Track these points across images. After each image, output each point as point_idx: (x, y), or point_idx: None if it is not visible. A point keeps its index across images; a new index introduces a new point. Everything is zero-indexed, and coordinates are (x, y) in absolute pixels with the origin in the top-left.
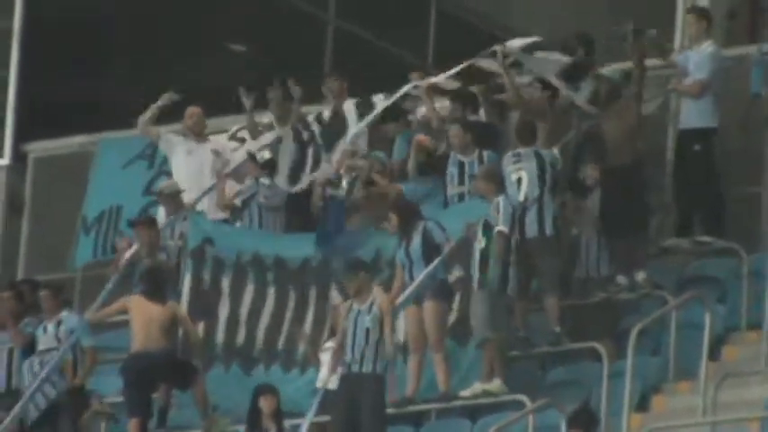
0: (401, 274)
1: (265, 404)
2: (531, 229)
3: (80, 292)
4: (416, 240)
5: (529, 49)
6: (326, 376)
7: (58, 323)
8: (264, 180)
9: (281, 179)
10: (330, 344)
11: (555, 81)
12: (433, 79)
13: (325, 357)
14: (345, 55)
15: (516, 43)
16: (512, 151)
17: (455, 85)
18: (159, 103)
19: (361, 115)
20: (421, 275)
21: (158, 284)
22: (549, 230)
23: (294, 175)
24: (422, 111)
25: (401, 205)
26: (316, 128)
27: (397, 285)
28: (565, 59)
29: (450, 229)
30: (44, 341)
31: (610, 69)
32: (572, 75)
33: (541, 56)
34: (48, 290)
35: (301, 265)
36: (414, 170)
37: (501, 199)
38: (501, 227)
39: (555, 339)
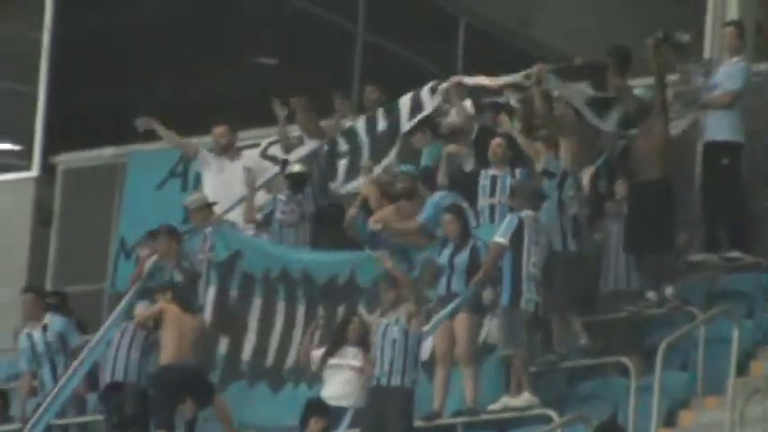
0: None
1: (315, 426)
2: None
3: (108, 305)
4: (464, 254)
5: (559, 74)
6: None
7: (44, 327)
8: (281, 195)
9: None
10: (337, 360)
11: (582, 109)
12: (465, 79)
13: (331, 373)
14: (374, 67)
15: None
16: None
17: (494, 82)
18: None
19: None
20: (460, 297)
21: (188, 294)
22: (572, 246)
23: (324, 189)
24: (450, 119)
25: (463, 215)
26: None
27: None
28: (589, 92)
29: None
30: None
31: (639, 87)
32: (599, 104)
33: (570, 85)
34: (30, 294)
35: (329, 281)
36: (444, 181)
37: (515, 213)
38: (498, 238)
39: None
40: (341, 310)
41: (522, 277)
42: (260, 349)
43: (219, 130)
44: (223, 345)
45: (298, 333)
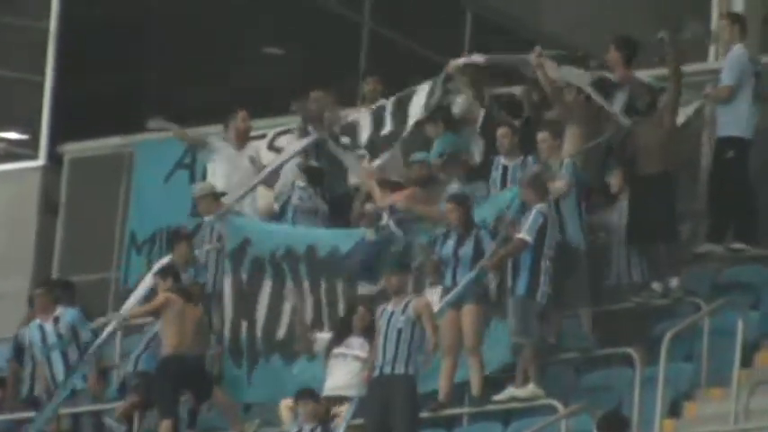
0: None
1: (303, 409)
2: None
3: (114, 296)
4: (469, 245)
5: (560, 61)
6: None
7: (56, 319)
8: (299, 182)
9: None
10: (342, 350)
11: (589, 90)
12: (471, 59)
13: (336, 363)
14: (381, 58)
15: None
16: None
17: (484, 60)
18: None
19: (393, 114)
20: (463, 281)
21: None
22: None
23: (335, 180)
24: (456, 108)
25: (465, 204)
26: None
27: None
28: (594, 75)
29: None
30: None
31: (647, 77)
32: (604, 87)
33: (571, 68)
34: (42, 288)
35: (330, 252)
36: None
37: (537, 208)
38: (523, 234)
39: (588, 347)
40: (341, 284)
41: (541, 270)
42: (270, 325)
43: (243, 114)
44: (244, 331)
45: (308, 309)
